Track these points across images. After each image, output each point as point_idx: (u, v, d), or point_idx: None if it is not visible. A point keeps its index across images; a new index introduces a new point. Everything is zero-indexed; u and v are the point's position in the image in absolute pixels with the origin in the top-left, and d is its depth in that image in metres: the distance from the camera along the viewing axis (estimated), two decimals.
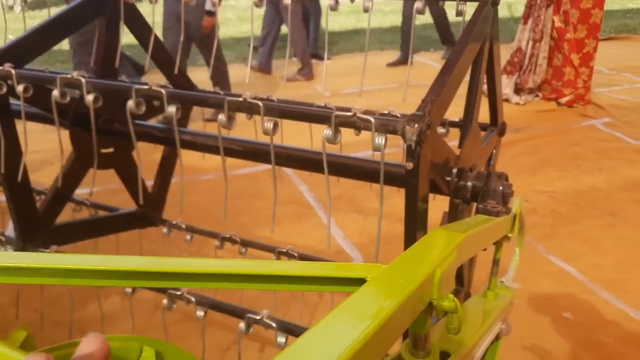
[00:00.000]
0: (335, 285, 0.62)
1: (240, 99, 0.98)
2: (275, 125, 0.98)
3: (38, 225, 1.51)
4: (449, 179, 1.09)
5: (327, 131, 0.91)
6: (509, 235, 1.29)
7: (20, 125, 1.39)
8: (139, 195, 1.90)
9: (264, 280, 0.63)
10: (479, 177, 1.15)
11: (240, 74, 5.74)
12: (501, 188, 1.14)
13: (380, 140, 0.88)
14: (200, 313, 1.25)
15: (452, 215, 1.12)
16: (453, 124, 1.56)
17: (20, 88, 1.22)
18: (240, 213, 2.67)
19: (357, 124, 0.89)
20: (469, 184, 1.16)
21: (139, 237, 2.03)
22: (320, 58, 6.53)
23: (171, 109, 1.06)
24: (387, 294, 0.55)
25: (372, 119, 0.87)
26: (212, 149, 1.45)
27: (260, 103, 0.96)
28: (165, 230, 1.92)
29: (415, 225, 0.90)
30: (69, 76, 1.16)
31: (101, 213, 1.99)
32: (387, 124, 0.87)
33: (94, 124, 1.19)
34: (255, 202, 2.80)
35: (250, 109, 0.98)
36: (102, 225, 1.77)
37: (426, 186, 0.91)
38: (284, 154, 1.22)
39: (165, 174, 1.96)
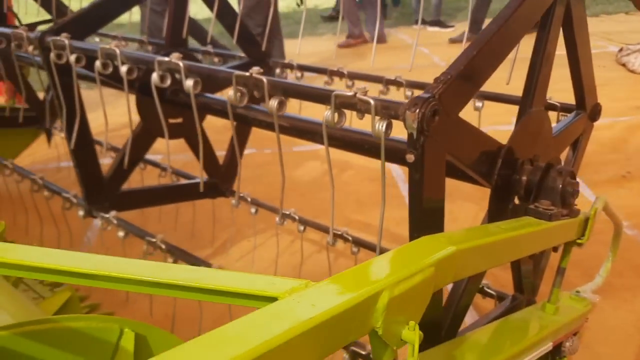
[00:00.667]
0: (247, 300, 0.53)
1: (247, 74, 0.91)
2: (281, 103, 0.89)
3: (104, 190, 1.58)
4: (493, 171, 0.92)
5: (327, 113, 0.80)
6: (579, 241, 1.09)
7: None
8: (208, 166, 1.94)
9: (176, 289, 0.56)
10: (535, 171, 0.96)
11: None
12: (561, 186, 0.94)
13: (381, 126, 0.75)
14: None
15: (494, 215, 0.95)
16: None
17: (72, 58, 1.25)
18: (324, 188, 2.61)
19: (357, 106, 0.77)
20: (524, 178, 0.98)
21: (212, 206, 2.07)
22: (444, 26, 6.17)
23: (189, 82, 1.02)
24: (289, 319, 0.45)
25: (371, 101, 0.75)
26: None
27: (264, 79, 0.88)
28: (233, 202, 1.94)
29: (420, 227, 0.77)
30: (107, 47, 1.17)
31: (182, 180, 2.07)
32: (388, 107, 0.74)
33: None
34: (342, 176, 2.73)
35: (256, 85, 0.90)
36: (170, 194, 1.82)
37: (438, 181, 0.77)
38: (292, 126, 1.12)
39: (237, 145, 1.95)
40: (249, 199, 1.89)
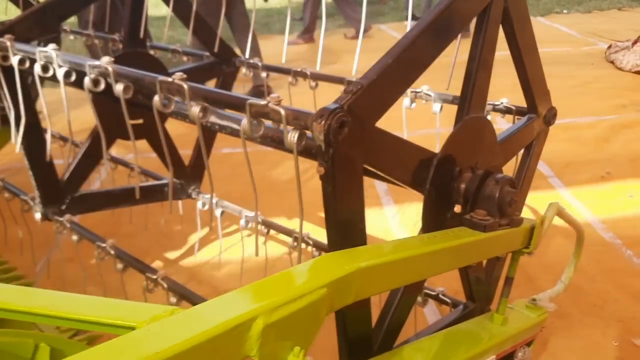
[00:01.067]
0: (107, 328, 0.50)
1: (170, 80, 0.88)
2: (204, 109, 0.86)
3: (60, 193, 1.56)
4: (425, 180, 0.89)
5: (244, 121, 0.78)
6: (526, 250, 1.06)
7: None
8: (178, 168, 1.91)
9: (37, 316, 0.54)
10: (473, 179, 0.94)
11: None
12: (498, 195, 0.91)
13: (293, 136, 0.72)
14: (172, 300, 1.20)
15: (428, 224, 0.92)
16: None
17: (15, 60, 1.22)
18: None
19: (270, 115, 0.74)
20: (462, 186, 0.95)
21: (182, 207, 2.04)
22: None
23: (119, 87, 0.99)
24: (134, 354, 0.42)
25: (281, 111, 0.72)
26: None
27: (185, 85, 0.85)
28: (199, 203, 1.91)
29: (338, 242, 0.74)
30: (45, 50, 1.14)
31: (151, 181, 2.04)
32: (299, 118, 0.71)
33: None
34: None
35: (178, 91, 0.87)
36: (132, 196, 1.78)
37: (354, 193, 0.74)
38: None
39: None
40: (215, 201, 1.87)
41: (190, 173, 1.93)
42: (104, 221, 2.28)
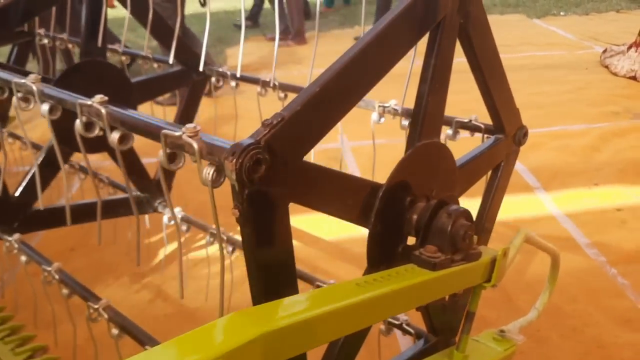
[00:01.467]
0: None
1: (89, 103, 0.80)
2: (124, 137, 0.78)
3: (11, 210, 1.48)
4: (369, 214, 0.82)
5: (160, 152, 0.70)
6: (486, 285, 0.98)
7: None
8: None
9: None
10: (425, 209, 0.86)
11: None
12: (450, 228, 0.83)
13: (208, 173, 0.64)
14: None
15: (374, 261, 0.85)
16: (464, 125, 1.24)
17: None
18: None
19: (185, 148, 0.66)
20: (414, 217, 0.87)
21: (151, 220, 1.97)
22: None
23: (44, 107, 0.91)
24: None
25: (194, 145, 0.64)
26: None
27: (102, 110, 0.77)
28: (166, 218, 1.83)
29: (261, 290, 0.66)
30: None
31: (120, 193, 1.97)
32: (213, 152, 0.64)
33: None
34: None
35: (97, 114, 0.79)
36: (92, 211, 1.70)
37: (278, 236, 0.66)
38: None
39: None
40: (181, 215, 1.79)
41: (156, 185, 1.85)
42: (72, 233, 2.21)
